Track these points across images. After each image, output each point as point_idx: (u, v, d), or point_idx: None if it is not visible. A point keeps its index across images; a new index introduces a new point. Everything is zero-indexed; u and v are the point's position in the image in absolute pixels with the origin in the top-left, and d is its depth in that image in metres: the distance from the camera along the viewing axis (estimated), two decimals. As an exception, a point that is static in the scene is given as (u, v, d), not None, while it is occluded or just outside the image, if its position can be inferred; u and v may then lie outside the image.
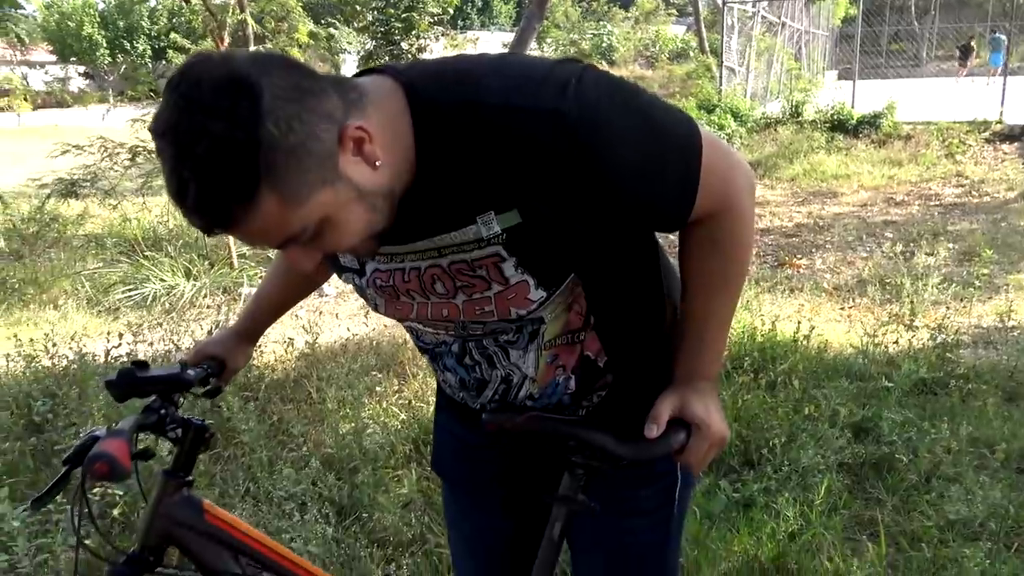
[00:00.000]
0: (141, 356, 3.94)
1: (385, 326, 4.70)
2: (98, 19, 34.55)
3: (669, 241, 1.61)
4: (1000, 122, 10.72)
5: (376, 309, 1.14)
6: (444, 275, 1.01)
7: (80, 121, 20.48)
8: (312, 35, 8.95)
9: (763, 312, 4.31)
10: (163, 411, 1.19)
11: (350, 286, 1.17)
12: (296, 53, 10.39)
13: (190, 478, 1.26)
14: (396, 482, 2.74)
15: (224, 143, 0.76)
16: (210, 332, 3.98)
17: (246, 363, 1.48)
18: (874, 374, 3.45)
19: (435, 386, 1.43)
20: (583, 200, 0.93)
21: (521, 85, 0.90)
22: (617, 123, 0.90)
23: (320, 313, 5.06)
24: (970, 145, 10.24)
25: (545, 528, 1.43)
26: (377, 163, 0.87)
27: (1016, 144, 10.26)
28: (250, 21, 5.77)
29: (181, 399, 1.25)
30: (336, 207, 0.85)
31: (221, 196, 0.79)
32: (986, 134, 10.54)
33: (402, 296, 1.07)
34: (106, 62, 34.10)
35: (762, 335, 3.83)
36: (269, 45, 7.02)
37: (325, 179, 0.83)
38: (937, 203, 8.12)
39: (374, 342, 4.23)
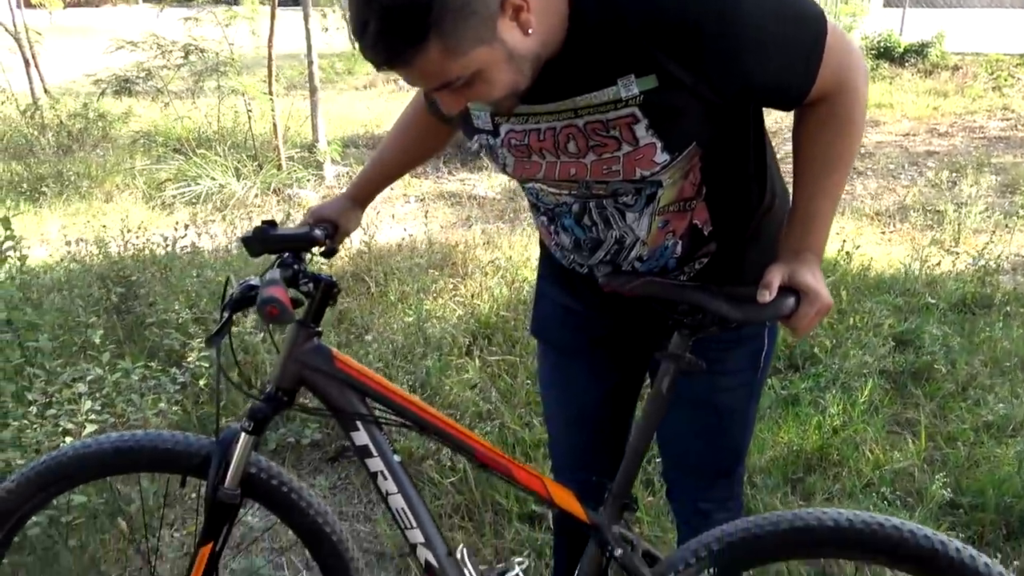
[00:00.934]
0: (204, 247, 4.12)
1: (441, 227, 4.84)
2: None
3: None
4: (1052, 55, 10.45)
5: (504, 169, 1.24)
6: (579, 134, 1.10)
7: (110, 22, 20.32)
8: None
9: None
10: (296, 266, 1.27)
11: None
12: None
13: (320, 328, 1.34)
14: (459, 369, 2.92)
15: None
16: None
17: (357, 227, 1.55)
18: (917, 291, 3.56)
19: (537, 257, 1.54)
20: (717, 66, 1.02)
21: None
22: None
23: (377, 212, 5.18)
24: (1019, 79, 10.01)
25: (635, 389, 1.58)
26: (530, 31, 0.99)
27: (1066, 79, 10.03)
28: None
29: (309, 257, 1.33)
30: (489, 64, 0.98)
31: (395, 38, 0.93)
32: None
33: (534, 155, 1.17)
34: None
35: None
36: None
37: (483, 38, 0.95)
38: (982, 136, 8.03)
39: (430, 242, 4.36)
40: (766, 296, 1.10)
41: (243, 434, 1.31)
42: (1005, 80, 9.84)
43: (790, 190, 1.26)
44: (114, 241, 4.02)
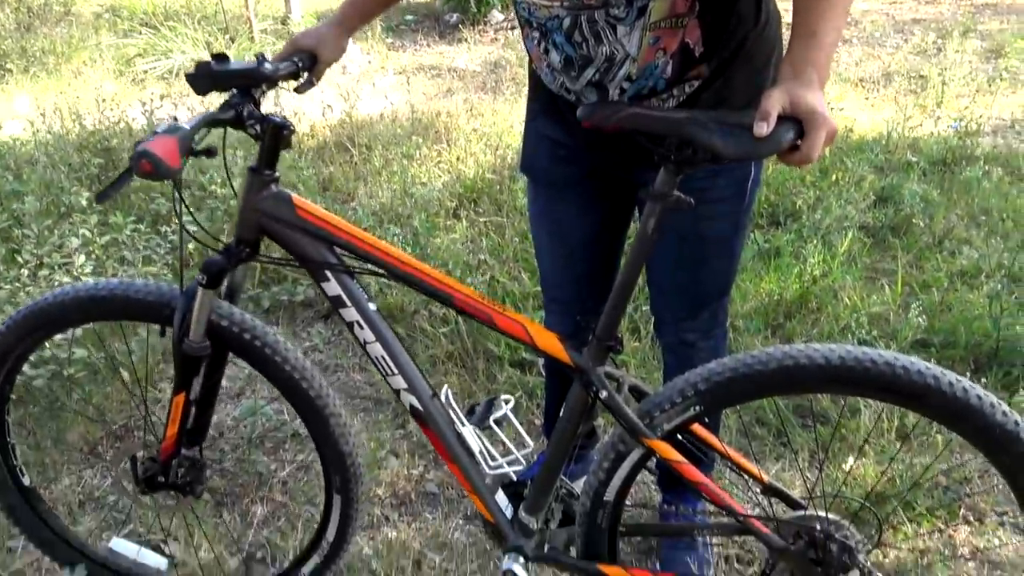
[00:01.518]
0: (181, 118, 4.04)
1: (424, 94, 4.75)
2: None
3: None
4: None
5: None
6: None
7: None
8: None
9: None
10: (239, 106, 1.17)
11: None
12: None
13: (276, 174, 1.25)
14: (448, 229, 2.94)
15: None
16: (262, 56, 4.05)
17: (340, 55, 1.44)
18: (899, 150, 3.59)
19: (525, 95, 1.53)
20: None
21: None
22: None
23: (357, 81, 5.08)
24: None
25: (625, 221, 1.61)
26: None
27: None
28: None
29: (261, 94, 1.22)
30: None
31: None
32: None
33: None
34: None
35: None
36: None
37: None
38: (968, 2, 7.89)
39: (413, 110, 4.30)
40: (764, 128, 0.99)
41: (199, 288, 1.26)
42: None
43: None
44: (89, 114, 3.92)
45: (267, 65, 1.21)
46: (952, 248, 2.84)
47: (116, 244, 2.48)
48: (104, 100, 3.95)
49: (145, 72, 5.57)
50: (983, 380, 2.16)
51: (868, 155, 3.50)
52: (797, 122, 1.00)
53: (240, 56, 5.69)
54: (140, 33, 6.03)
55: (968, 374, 2.21)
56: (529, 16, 1.28)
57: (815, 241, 2.76)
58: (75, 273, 2.17)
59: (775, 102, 1.00)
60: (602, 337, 1.20)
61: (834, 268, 2.64)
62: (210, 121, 1.14)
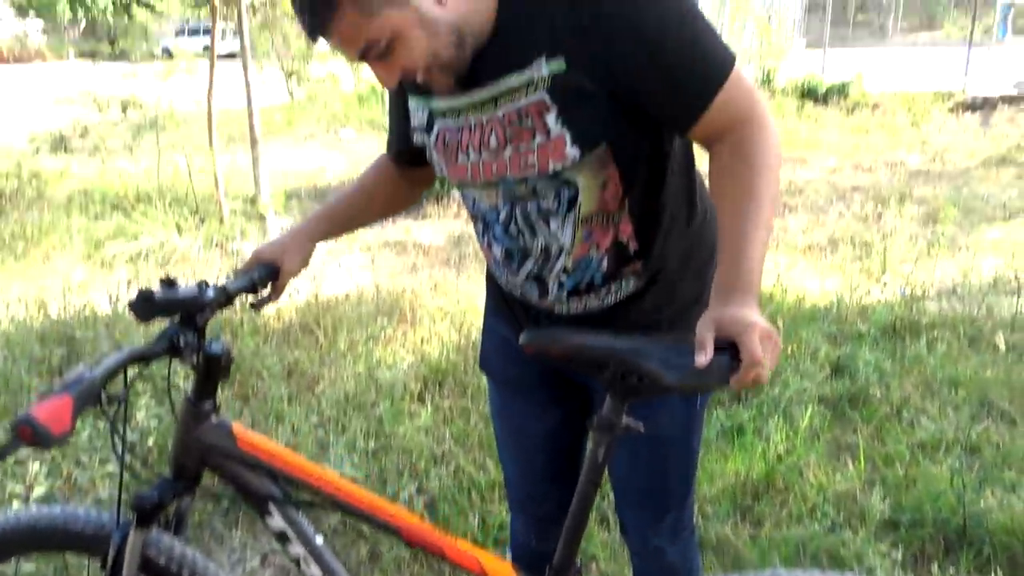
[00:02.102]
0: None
1: (388, 275, 4.87)
2: (57, -26, 33.53)
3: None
4: (963, 93, 11.06)
5: (441, 172, 1.32)
6: (498, 126, 1.18)
7: (41, 78, 20.01)
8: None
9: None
10: (176, 336, 1.15)
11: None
12: (286, 5, 10.34)
13: (215, 404, 1.23)
14: (414, 415, 2.94)
15: None
16: (205, 283, 4.11)
17: (304, 266, 1.44)
18: (849, 319, 3.71)
19: (484, 300, 1.57)
20: (623, 55, 1.08)
21: None
22: (662, 4, 1.09)
23: (323, 264, 5.19)
24: (935, 115, 10.57)
25: (584, 417, 1.61)
26: (442, 2, 1.09)
27: (978, 114, 10.62)
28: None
29: (205, 321, 1.19)
30: (403, 28, 1.07)
31: (314, 7, 1.05)
32: (950, 104, 10.87)
33: (459, 155, 1.25)
34: (67, 18, 33.15)
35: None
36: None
37: (393, 2, 1.06)
38: (903, 169, 8.43)
39: (378, 290, 4.39)
40: (702, 358, 1.01)
41: (132, 529, 1.20)
42: (922, 117, 10.37)
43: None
44: (54, 300, 3.95)
45: (210, 292, 1.20)
46: (911, 418, 2.89)
47: (76, 439, 2.43)
48: (70, 289, 3.99)
49: (114, 255, 5.66)
50: (955, 566, 2.14)
51: (820, 325, 3.62)
52: (733, 344, 1.01)
53: (208, 237, 5.83)
54: (110, 216, 6.17)
55: (941, 555, 2.20)
56: (473, 208, 1.35)
57: (776, 417, 2.80)
58: (28, 481, 2.11)
59: (705, 330, 1.03)
60: (559, 569, 1.17)
61: (797, 444, 2.66)
62: (136, 358, 1.11)
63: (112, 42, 6.31)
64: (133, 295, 1.15)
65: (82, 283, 5.05)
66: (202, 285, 1.20)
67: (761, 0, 16.79)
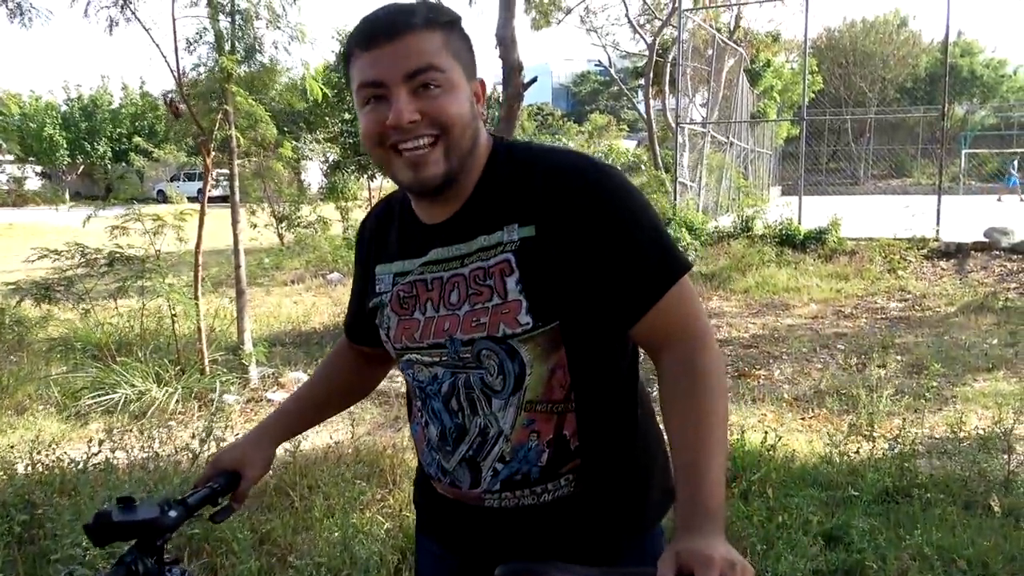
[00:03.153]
0: (120, 461, 3.94)
1: (368, 430, 4.76)
2: (60, 120, 34.82)
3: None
4: (937, 240, 11.37)
5: (387, 335, 1.29)
6: (462, 283, 1.19)
7: (35, 220, 20.35)
8: (278, 143, 9.28)
9: (731, 422, 4.49)
10: (134, 563, 1.08)
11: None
12: (279, 167, 10.70)
13: None
14: (388, 592, 2.79)
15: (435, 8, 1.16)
16: (199, 438, 4.00)
17: (266, 471, 1.39)
18: (840, 483, 3.63)
19: (415, 505, 1.47)
20: (590, 233, 1.14)
21: (577, 152, 1.27)
22: (636, 195, 1.19)
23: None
24: (910, 261, 10.81)
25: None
26: (476, 115, 1.18)
27: (952, 260, 10.88)
28: (236, 134, 6.01)
29: (166, 541, 1.14)
30: (458, 86, 1.14)
31: (432, 13, 1.14)
32: (924, 251, 11.15)
33: (416, 310, 1.24)
34: (65, 163, 34.18)
35: (731, 444, 4.00)
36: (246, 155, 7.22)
37: (464, 72, 1.16)
38: (883, 316, 8.53)
39: (357, 451, 4.28)
40: None
41: None
42: (898, 263, 10.61)
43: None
44: (20, 461, 3.82)
45: (171, 513, 1.13)
46: (910, 595, 2.77)
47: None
48: (38, 449, 3.86)
49: (89, 407, 5.54)
50: None
51: (811, 491, 3.53)
52: None
53: (188, 389, 5.73)
54: (90, 366, 6.09)
55: None
56: (413, 381, 1.30)
57: (770, 595, 2.68)
58: None
59: (666, 567, 0.96)
60: None
61: (793, 626, 2.53)
62: None
63: (108, 188, 6.36)
64: (90, 518, 1.08)
65: (55, 437, 4.92)
66: (163, 506, 1.13)
67: (736, 151, 17.57)
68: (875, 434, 4.20)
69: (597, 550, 1.25)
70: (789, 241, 11.81)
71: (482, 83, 1.21)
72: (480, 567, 1.30)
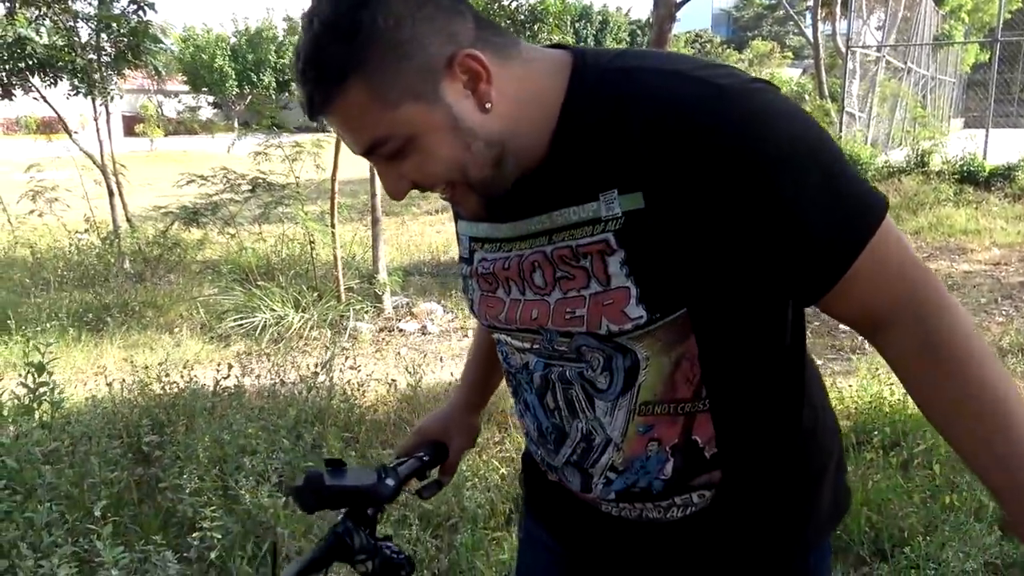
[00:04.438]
0: (248, 387, 3.98)
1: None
2: (229, 52, 36.52)
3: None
4: None
5: (472, 308, 1.06)
6: (546, 263, 0.91)
7: (207, 148, 21.56)
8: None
9: (891, 380, 4.00)
10: (348, 537, 0.98)
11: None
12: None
13: None
14: (496, 545, 2.62)
15: (329, 23, 0.79)
16: (317, 369, 3.98)
17: (473, 442, 1.30)
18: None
19: (522, 483, 1.25)
20: (720, 198, 0.79)
21: (698, 66, 0.84)
22: (797, 131, 0.80)
23: (424, 355, 5.02)
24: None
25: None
26: (488, 106, 0.83)
27: None
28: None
29: (380, 514, 1.05)
30: (426, 128, 0.82)
31: (319, 73, 0.80)
32: None
33: (499, 288, 0.99)
34: (234, 93, 35.94)
35: (891, 406, 3.55)
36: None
37: (420, 93, 0.80)
38: (1083, 263, 7.50)
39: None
40: None
41: None
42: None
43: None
44: (157, 381, 3.92)
45: (388, 481, 1.01)
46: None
47: (128, 556, 2.26)
48: (172, 367, 3.95)
49: (231, 329, 5.71)
50: None
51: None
52: None
53: (323, 315, 5.79)
54: (234, 290, 6.28)
55: None
56: (506, 363, 1.06)
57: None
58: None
59: None
60: None
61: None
62: (308, 568, 0.94)
63: (272, 118, 6.53)
64: (298, 479, 0.98)
65: (195, 357, 5.09)
66: (380, 472, 1.01)
67: (915, 78, 15.97)
68: None
69: (746, 572, 1.01)
70: (971, 178, 10.61)
71: (468, 57, 0.81)
72: (597, 571, 1.09)
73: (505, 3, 13.44)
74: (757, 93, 0.81)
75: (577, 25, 34.29)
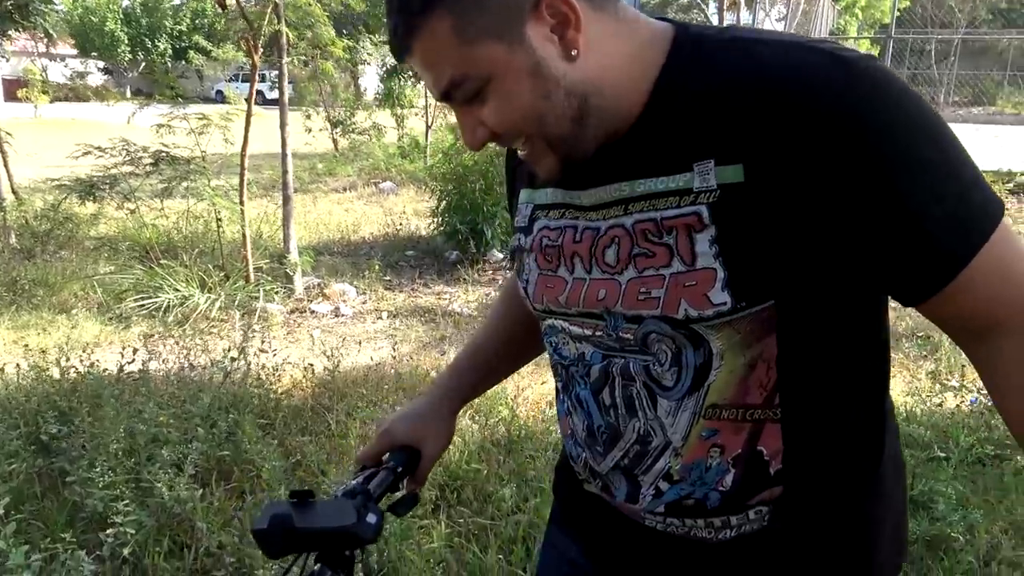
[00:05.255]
0: (154, 372, 3.80)
1: (411, 350, 4.56)
2: (121, 16, 34.68)
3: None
4: (1023, 174, 10.58)
5: (525, 289, 0.98)
6: (624, 237, 0.84)
7: (98, 116, 20.45)
8: (333, 43, 8.91)
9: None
10: None
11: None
12: (329, 68, 10.34)
13: None
14: (424, 534, 2.59)
15: None
16: (230, 353, 3.83)
17: (447, 445, 1.16)
18: (925, 441, 3.30)
19: (554, 493, 1.16)
20: (832, 178, 0.73)
21: (818, 40, 0.79)
22: (916, 118, 0.74)
23: (342, 339, 4.91)
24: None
25: None
26: (574, 53, 0.78)
27: (1040, 197, 10.12)
28: (285, 30, 5.67)
29: (362, 554, 0.93)
30: (505, 70, 0.78)
31: (403, 3, 0.79)
32: (1011, 184, 10.39)
33: (562, 266, 0.92)
34: (126, 59, 34.20)
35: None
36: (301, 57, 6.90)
37: (503, 33, 0.77)
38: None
39: (398, 374, 4.08)
40: None
41: None
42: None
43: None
44: (56, 365, 3.70)
45: (370, 519, 0.88)
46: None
47: (28, 560, 2.12)
48: (80, 347, 3.73)
49: (132, 309, 5.45)
50: None
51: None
52: None
53: (231, 296, 5.58)
54: (133, 268, 5.98)
55: None
56: (555, 353, 0.98)
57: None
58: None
59: None
60: None
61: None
62: None
63: (173, 87, 6.21)
64: (261, 520, 0.85)
65: (95, 339, 4.83)
66: (359, 506, 0.88)
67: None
68: (955, 383, 3.83)
69: None
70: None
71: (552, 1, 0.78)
72: None
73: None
74: (883, 71, 0.75)
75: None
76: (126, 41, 34.16)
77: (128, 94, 30.80)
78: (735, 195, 0.77)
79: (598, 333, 0.89)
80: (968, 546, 2.59)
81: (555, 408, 1.09)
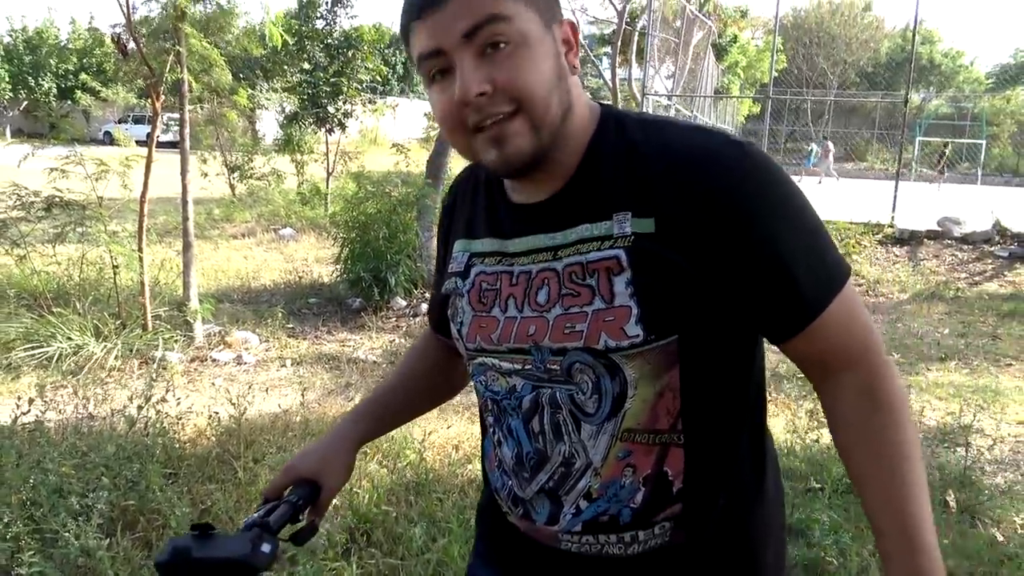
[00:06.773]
0: (49, 423, 3.71)
1: (317, 397, 4.58)
2: (2, 52, 33.22)
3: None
4: (892, 226, 11.47)
5: (459, 331, 1.08)
6: (554, 279, 0.98)
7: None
8: (232, 90, 8.91)
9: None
10: None
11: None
12: (233, 116, 10.27)
13: None
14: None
15: None
16: (132, 400, 3.78)
17: (347, 480, 1.21)
18: (802, 474, 3.58)
19: (476, 534, 1.27)
20: (725, 235, 0.91)
21: (714, 129, 1.02)
22: (791, 190, 0.95)
23: (248, 386, 4.88)
24: (865, 246, 10.88)
25: None
26: (572, 70, 0.97)
27: (906, 247, 10.99)
28: (188, 78, 5.68)
29: None
30: (538, 42, 0.92)
31: None
32: (879, 236, 11.23)
33: (495, 307, 1.03)
34: (7, 97, 32.69)
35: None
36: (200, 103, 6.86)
37: (544, 16, 0.93)
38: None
39: (306, 421, 4.11)
40: None
41: None
42: (853, 247, 10.61)
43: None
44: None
45: (264, 548, 0.93)
46: (869, 594, 2.72)
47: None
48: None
49: (21, 359, 5.25)
50: None
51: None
52: None
53: (128, 345, 5.46)
54: (22, 316, 5.77)
55: None
56: (486, 391, 1.08)
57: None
58: None
59: None
60: None
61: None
62: None
63: (52, 126, 6.05)
64: (163, 553, 0.89)
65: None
66: (255, 540, 0.93)
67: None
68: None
69: None
70: None
71: (572, 25, 0.97)
72: None
73: (318, 27, 13.38)
74: (764, 155, 0.95)
75: (387, 52, 34.46)
76: (7, 79, 32.69)
77: (7, 134, 29.44)
78: (647, 243, 0.93)
79: (527, 367, 1.01)
80: (841, 568, 2.85)
81: (462, 452, 1.21)
